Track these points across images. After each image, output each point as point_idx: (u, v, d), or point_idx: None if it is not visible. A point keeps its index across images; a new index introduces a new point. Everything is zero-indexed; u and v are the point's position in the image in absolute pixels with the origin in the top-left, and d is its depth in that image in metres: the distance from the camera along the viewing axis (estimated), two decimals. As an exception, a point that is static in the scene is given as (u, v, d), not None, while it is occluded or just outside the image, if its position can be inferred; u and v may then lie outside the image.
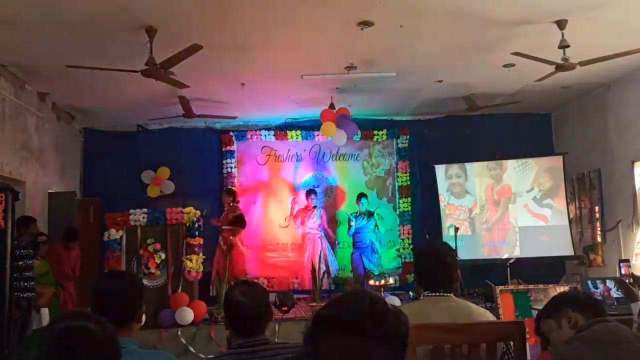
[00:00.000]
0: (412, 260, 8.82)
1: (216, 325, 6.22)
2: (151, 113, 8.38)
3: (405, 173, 9.43)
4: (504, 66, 6.72)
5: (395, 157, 9.54)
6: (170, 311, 6.37)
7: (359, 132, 8.98)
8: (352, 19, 5.24)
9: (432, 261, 2.45)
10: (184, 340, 6.13)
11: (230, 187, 8.87)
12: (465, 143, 9.06)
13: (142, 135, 9.32)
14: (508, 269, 7.80)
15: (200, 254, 6.80)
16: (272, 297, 6.24)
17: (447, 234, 8.56)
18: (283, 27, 5.42)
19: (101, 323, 1.50)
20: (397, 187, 9.46)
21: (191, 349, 6.08)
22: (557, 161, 8.71)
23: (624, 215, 7.54)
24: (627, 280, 5.30)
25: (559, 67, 5.63)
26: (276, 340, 5.12)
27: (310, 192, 8.64)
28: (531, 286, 5.20)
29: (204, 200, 8.76)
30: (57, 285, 6.16)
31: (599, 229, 8.18)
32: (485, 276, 6.76)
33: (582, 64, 5.58)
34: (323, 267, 7.91)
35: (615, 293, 5.00)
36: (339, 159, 9.48)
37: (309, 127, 9.28)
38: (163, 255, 6.68)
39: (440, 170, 9.07)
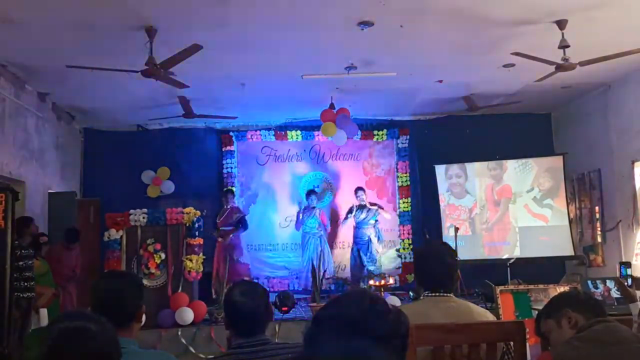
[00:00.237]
0: (412, 260, 8.82)
1: (216, 325, 6.22)
2: (151, 113, 8.38)
3: (405, 173, 9.43)
4: (504, 66, 6.72)
5: (395, 157, 9.53)
6: (170, 311, 6.37)
7: (359, 132, 8.99)
8: (352, 19, 5.24)
9: (432, 261, 2.45)
10: (184, 341, 6.14)
11: (231, 187, 8.89)
12: (465, 143, 9.05)
13: (142, 135, 9.32)
14: (508, 269, 7.80)
15: (201, 254, 6.80)
16: (272, 297, 6.24)
17: (447, 234, 8.56)
18: (283, 27, 5.41)
19: (101, 323, 1.50)
20: (397, 187, 9.46)
21: (191, 349, 6.09)
22: (557, 161, 8.71)
23: (624, 215, 7.54)
24: (625, 282, 5.30)
25: (559, 67, 5.63)
26: (276, 341, 5.13)
27: (310, 193, 8.65)
28: (531, 286, 5.19)
29: (204, 201, 8.78)
30: (57, 286, 6.16)
31: (599, 229, 8.18)
32: (485, 276, 6.76)
33: (582, 64, 5.58)
34: (323, 267, 7.91)
35: (615, 293, 5.00)
36: (339, 159, 9.48)
37: (309, 127, 9.28)
38: (163, 256, 6.68)
39: (440, 170, 9.07)
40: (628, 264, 6.32)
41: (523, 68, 6.45)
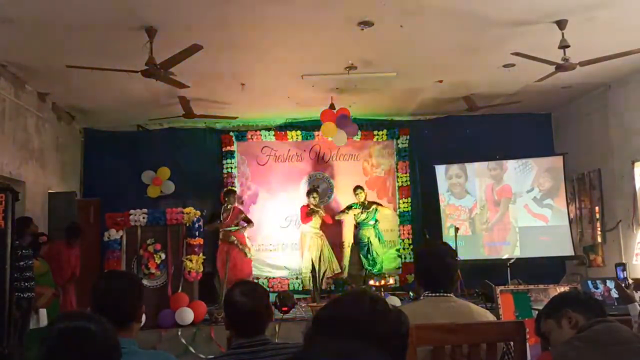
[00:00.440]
0: (412, 260, 8.83)
1: (216, 325, 6.22)
2: (151, 113, 8.38)
3: (406, 173, 9.43)
4: (504, 66, 6.72)
5: (396, 157, 9.54)
6: (170, 311, 6.37)
7: (359, 133, 8.99)
8: (352, 19, 5.24)
9: (433, 261, 2.45)
10: (184, 341, 6.14)
11: (232, 187, 8.89)
12: (465, 143, 9.06)
13: (142, 136, 9.32)
14: (508, 269, 7.80)
15: (201, 254, 6.81)
16: (272, 297, 6.24)
17: (447, 234, 8.56)
18: (283, 27, 5.42)
19: (101, 323, 1.50)
20: (397, 188, 9.46)
21: (191, 349, 6.09)
22: (557, 161, 8.70)
23: (624, 215, 7.54)
24: (624, 284, 5.30)
25: (559, 67, 5.63)
26: (276, 341, 5.13)
27: (311, 191, 8.65)
28: (531, 286, 5.19)
29: (204, 201, 8.79)
30: (57, 286, 6.16)
31: (599, 229, 8.18)
32: (486, 276, 6.77)
33: (582, 64, 5.58)
34: (323, 267, 7.92)
35: (615, 293, 5.00)
36: (339, 159, 9.48)
37: (309, 128, 9.28)
38: (163, 256, 6.69)
39: (440, 170, 9.07)
40: (624, 266, 6.31)
41: (523, 68, 6.45)
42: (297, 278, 8.79)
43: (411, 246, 9.14)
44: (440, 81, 7.41)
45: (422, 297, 2.48)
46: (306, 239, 8.49)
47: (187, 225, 6.79)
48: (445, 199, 9.02)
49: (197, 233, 6.80)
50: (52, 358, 1.44)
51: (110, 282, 2.15)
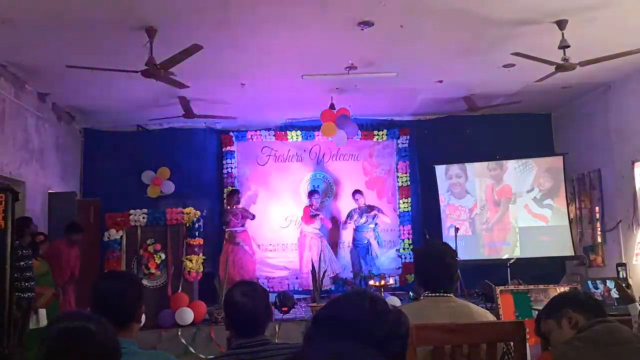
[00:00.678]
0: (412, 260, 8.82)
1: (216, 325, 6.22)
2: (151, 113, 8.38)
3: (406, 173, 9.43)
4: (504, 66, 6.71)
5: (396, 157, 9.53)
6: (170, 311, 6.38)
7: (359, 133, 8.99)
8: (352, 19, 5.24)
9: (433, 261, 2.45)
10: (184, 341, 6.14)
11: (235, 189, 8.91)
12: (465, 143, 9.06)
13: (142, 136, 9.32)
14: (508, 269, 7.80)
15: (201, 254, 6.81)
16: (272, 297, 6.25)
17: (448, 234, 8.56)
18: (283, 27, 5.41)
19: (101, 323, 1.50)
20: (397, 188, 9.46)
21: (191, 349, 6.09)
22: (557, 161, 8.70)
23: (624, 215, 7.54)
24: (624, 284, 5.30)
25: (559, 68, 5.63)
26: (276, 341, 5.12)
27: (312, 193, 8.66)
28: (531, 286, 5.20)
29: (204, 201, 8.79)
30: (57, 287, 6.16)
31: (599, 229, 8.18)
32: (486, 276, 6.78)
33: (582, 64, 5.58)
34: (323, 267, 7.92)
35: (615, 293, 5.00)
36: (339, 159, 9.48)
37: (309, 128, 9.28)
38: (163, 256, 6.69)
39: (440, 170, 9.07)
40: (624, 266, 6.32)
41: (523, 68, 6.45)
42: (297, 278, 8.78)
43: (411, 246, 9.14)
44: (440, 81, 7.41)
45: (422, 297, 2.48)
46: (306, 240, 8.50)
47: (187, 225, 6.79)
48: (445, 199, 9.02)
49: (197, 233, 6.81)
50: (52, 358, 1.44)
51: (110, 282, 2.15)
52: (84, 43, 5.58)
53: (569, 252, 8.39)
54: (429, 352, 2.19)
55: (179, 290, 6.63)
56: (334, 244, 8.99)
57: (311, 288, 7.80)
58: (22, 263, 5.08)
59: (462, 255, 7.18)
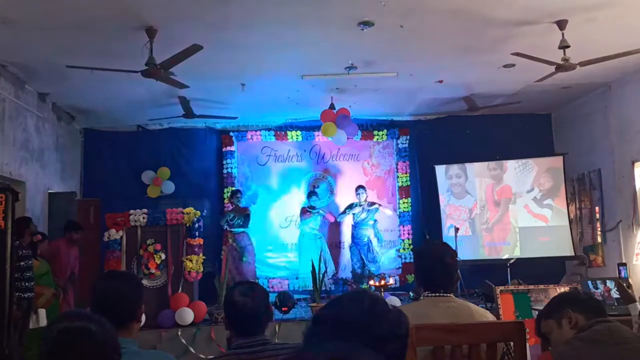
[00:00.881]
0: (412, 260, 8.82)
1: (216, 325, 6.22)
2: (151, 113, 8.38)
3: (406, 173, 9.43)
4: (504, 66, 6.71)
5: (396, 157, 9.53)
6: (170, 311, 6.37)
7: (359, 133, 8.99)
8: (352, 19, 5.24)
9: (432, 261, 2.45)
10: (184, 341, 6.14)
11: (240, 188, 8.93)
12: (465, 143, 9.06)
13: (142, 136, 9.32)
14: (508, 269, 7.80)
15: (201, 254, 6.81)
16: (272, 297, 6.25)
17: (447, 234, 8.56)
18: (283, 27, 5.41)
19: (101, 323, 1.50)
20: (397, 188, 9.46)
21: (191, 349, 6.09)
22: (557, 161, 8.70)
23: (624, 215, 7.54)
24: (625, 284, 5.29)
25: (559, 68, 5.63)
26: (276, 341, 5.12)
27: (311, 194, 8.66)
28: (531, 286, 5.20)
29: (204, 201, 8.79)
30: (57, 286, 6.16)
31: (599, 229, 8.18)
32: (486, 276, 6.78)
33: (582, 64, 5.58)
34: (323, 268, 7.92)
35: (615, 293, 5.00)
36: (339, 159, 9.48)
37: (309, 128, 9.28)
38: (163, 256, 6.69)
39: (440, 170, 9.07)
40: (625, 265, 6.32)
41: (523, 68, 6.45)
42: (297, 278, 8.78)
43: (411, 246, 9.14)
44: (441, 81, 7.41)
45: (422, 297, 2.48)
46: (305, 240, 8.50)
47: (187, 225, 6.79)
48: (445, 199, 9.02)
49: (197, 233, 6.81)
50: (52, 358, 1.44)
51: (110, 282, 2.15)
52: (84, 43, 5.58)
53: (569, 252, 8.39)
54: (429, 352, 2.19)
55: (179, 291, 6.62)
56: (335, 245, 8.99)
57: (311, 288, 7.80)
58: (22, 263, 5.08)
59: (462, 255, 7.18)
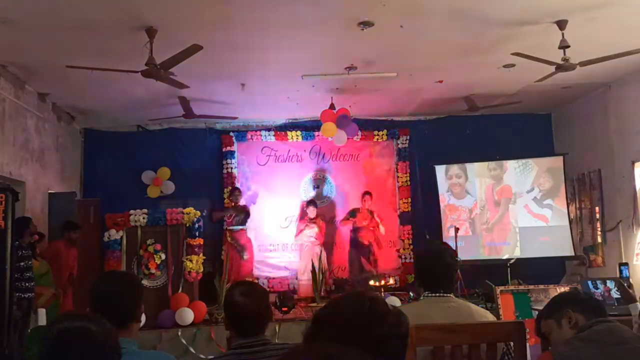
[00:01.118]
0: (412, 260, 8.82)
1: (216, 325, 6.22)
2: (151, 113, 8.38)
3: (406, 173, 9.42)
4: (504, 66, 6.71)
5: (396, 157, 9.53)
6: (170, 312, 6.37)
7: (359, 133, 8.98)
8: (352, 19, 5.24)
9: (432, 262, 2.45)
10: (184, 341, 6.13)
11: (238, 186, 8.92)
12: (465, 143, 9.06)
13: (142, 136, 9.32)
14: (508, 269, 7.79)
15: (201, 254, 6.80)
16: (272, 297, 6.24)
17: (447, 235, 8.55)
18: (283, 27, 5.41)
19: (101, 323, 1.50)
20: (397, 188, 9.46)
21: (191, 349, 6.08)
22: (557, 161, 8.70)
23: (625, 215, 7.54)
24: (626, 284, 5.30)
25: (559, 68, 5.63)
26: (276, 341, 5.12)
27: (309, 203, 8.62)
28: (531, 286, 5.21)
29: (204, 201, 8.79)
30: (57, 287, 6.16)
31: (599, 229, 8.18)
32: (486, 276, 6.78)
33: (582, 64, 5.58)
34: (321, 276, 7.89)
35: (615, 293, 5.00)
36: (339, 159, 9.48)
37: (309, 128, 9.28)
38: (163, 256, 6.69)
39: (440, 170, 9.07)
40: (626, 265, 6.32)
41: (523, 68, 6.45)
42: (297, 278, 8.78)
43: (411, 246, 9.14)
44: (440, 81, 7.41)
45: (422, 297, 2.48)
46: (303, 248, 8.47)
47: (187, 225, 6.79)
48: (445, 199, 9.02)
49: (197, 233, 6.80)
50: (52, 358, 1.44)
51: (110, 283, 2.15)
52: (84, 43, 5.58)
53: (569, 252, 8.39)
54: (429, 352, 2.19)
55: (179, 291, 6.62)
56: (330, 245, 8.96)
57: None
58: (22, 263, 5.09)
59: (462, 256, 7.20)
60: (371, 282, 7.51)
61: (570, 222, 8.55)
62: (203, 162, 9.28)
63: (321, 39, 5.74)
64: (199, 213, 6.92)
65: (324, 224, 8.64)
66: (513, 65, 6.60)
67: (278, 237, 9.21)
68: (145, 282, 6.45)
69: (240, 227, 8.16)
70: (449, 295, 2.41)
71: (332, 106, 7.78)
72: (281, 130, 9.38)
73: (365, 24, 5.32)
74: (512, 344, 2.28)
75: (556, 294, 2.56)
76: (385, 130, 9.45)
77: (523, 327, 2.27)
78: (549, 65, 5.64)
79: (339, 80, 7.16)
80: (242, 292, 2.24)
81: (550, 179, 8.63)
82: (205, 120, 8.79)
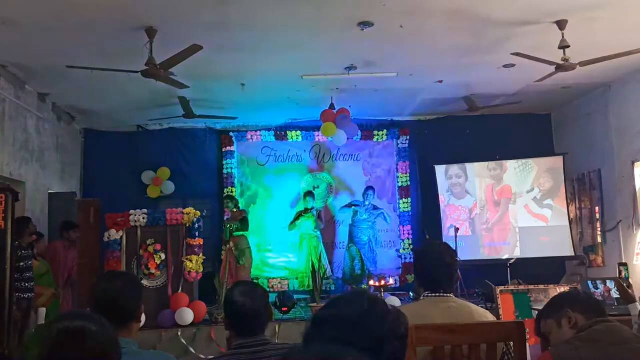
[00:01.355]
0: (412, 260, 8.82)
1: (216, 325, 6.22)
2: (151, 113, 8.38)
3: (406, 173, 9.43)
4: (504, 66, 6.71)
5: (396, 157, 9.53)
6: (170, 312, 6.37)
7: (359, 133, 8.99)
8: (352, 19, 5.24)
9: (432, 262, 2.45)
10: (184, 341, 6.13)
11: (230, 193, 8.87)
12: (465, 143, 9.06)
13: (142, 136, 9.32)
14: (508, 269, 7.80)
15: (201, 255, 6.80)
16: (272, 297, 6.24)
17: (448, 235, 8.56)
18: (283, 27, 5.41)
19: (101, 323, 1.50)
20: (397, 188, 9.46)
21: (191, 349, 6.08)
22: (557, 162, 8.71)
23: (625, 215, 7.54)
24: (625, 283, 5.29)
25: (559, 68, 5.63)
26: (276, 341, 5.12)
27: (307, 194, 8.62)
28: (531, 287, 5.20)
29: (204, 201, 8.79)
30: (57, 287, 6.16)
31: (599, 229, 8.18)
32: (486, 277, 6.78)
33: (582, 64, 5.58)
34: (322, 269, 7.91)
35: (615, 293, 5.00)
36: (339, 159, 9.48)
37: (309, 128, 9.28)
38: (163, 256, 6.68)
39: (440, 170, 9.07)
40: (626, 265, 6.31)
41: (523, 68, 6.45)
42: (297, 278, 8.78)
43: (411, 246, 9.14)
44: (441, 81, 7.41)
45: (422, 298, 2.48)
46: (303, 241, 8.48)
47: (187, 225, 6.78)
48: (445, 199, 9.02)
49: (197, 233, 6.80)
50: (52, 358, 1.44)
51: (110, 283, 2.15)
52: (84, 43, 5.58)
53: (569, 252, 8.39)
54: (429, 352, 2.19)
55: (179, 291, 6.62)
56: (330, 244, 8.97)
57: (311, 289, 7.79)
58: (22, 264, 5.09)
59: (462, 256, 7.21)
60: (371, 282, 7.51)
61: (570, 222, 8.55)
62: (203, 162, 9.28)
63: (321, 39, 5.75)
64: (199, 213, 6.92)
65: (322, 212, 8.63)
66: (513, 65, 6.60)
67: (278, 237, 9.21)
68: (145, 282, 6.44)
69: (240, 233, 8.05)
70: (449, 295, 2.41)
71: (332, 106, 7.78)
72: (281, 130, 9.38)
73: (365, 24, 5.32)
74: (512, 344, 2.28)
75: (556, 294, 2.55)
76: (385, 130, 9.45)
77: (523, 327, 2.27)
78: (549, 65, 5.64)
79: (339, 80, 7.16)
80: (242, 292, 2.24)
81: (550, 179, 8.63)
82: (205, 120, 8.79)
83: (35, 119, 7.25)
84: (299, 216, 8.46)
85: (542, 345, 2.47)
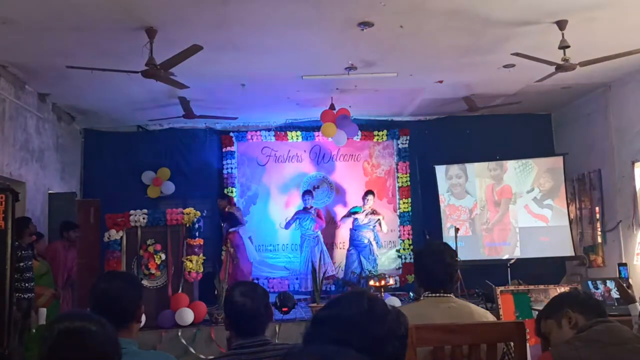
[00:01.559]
0: (412, 260, 8.82)
1: (216, 326, 6.22)
2: (151, 114, 8.38)
3: (406, 174, 9.42)
4: (504, 66, 6.71)
5: (396, 157, 9.53)
6: (170, 312, 6.37)
7: (359, 133, 8.99)
8: (352, 19, 5.24)
9: (432, 262, 2.45)
10: (184, 341, 6.14)
11: (223, 192, 8.87)
12: (465, 143, 9.06)
13: (142, 136, 9.32)
14: (508, 269, 7.80)
15: (201, 255, 6.81)
16: (272, 297, 6.24)
17: (448, 235, 8.55)
18: (283, 27, 5.41)
19: (101, 323, 1.50)
20: (397, 188, 9.45)
21: (191, 349, 6.08)
22: (557, 162, 8.71)
23: (625, 215, 7.54)
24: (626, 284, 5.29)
25: (559, 68, 5.63)
26: (276, 341, 5.12)
27: (306, 193, 8.63)
28: (531, 287, 5.20)
29: (204, 201, 8.78)
30: (57, 287, 6.16)
31: (599, 229, 8.18)
32: (486, 277, 6.77)
33: (582, 64, 5.58)
34: (323, 268, 7.91)
35: (615, 294, 5.00)
36: (339, 159, 9.48)
37: (309, 128, 9.28)
38: (163, 256, 6.69)
39: (440, 170, 9.07)
40: (625, 265, 6.31)
41: (523, 68, 6.45)
42: (297, 278, 8.78)
43: (411, 246, 9.13)
44: (441, 81, 7.41)
45: (422, 298, 2.48)
46: (304, 241, 8.48)
47: (187, 225, 6.79)
48: (445, 199, 9.02)
49: (197, 233, 6.81)
50: (52, 358, 1.44)
51: (110, 283, 2.15)
52: (84, 43, 5.58)
53: (569, 252, 8.39)
54: (429, 353, 2.19)
55: (179, 291, 6.62)
56: (330, 245, 8.97)
57: (311, 289, 7.79)
58: (22, 264, 5.09)
59: (462, 256, 7.18)
60: (371, 282, 7.50)
61: (570, 222, 8.55)
62: (203, 162, 9.28)
63: (321, 39, 5.75)
64: (199, 213, 6.93)
65: (321, 211, 8.63)
66: (513, 65, 6.60)
67: (278, 237, 9.21)
68: (145, 282, 6.45)
69: (234, 229, 8.08)
70: (449, 295, 2.41)
71: (332, 106, 7.78)
72: (281, 130, 9.38)
73: (365, 24, 5.32)
74: (512, 344, 2.28)
75: (556, 294, 2.55)
76: (385, 130, 9.45)
77: (523, 327, 2.27)
78: (549, 65, 5.64)
79: (339, 80, 7.16)
80: (242, 292, 2.24)
81: (550, 179, 8.63)
82: (205, 120, 8.79)
83: (35, 119, 7.25)
84: (295, 216, 8.48)
85: (542, 346, 2.47)
